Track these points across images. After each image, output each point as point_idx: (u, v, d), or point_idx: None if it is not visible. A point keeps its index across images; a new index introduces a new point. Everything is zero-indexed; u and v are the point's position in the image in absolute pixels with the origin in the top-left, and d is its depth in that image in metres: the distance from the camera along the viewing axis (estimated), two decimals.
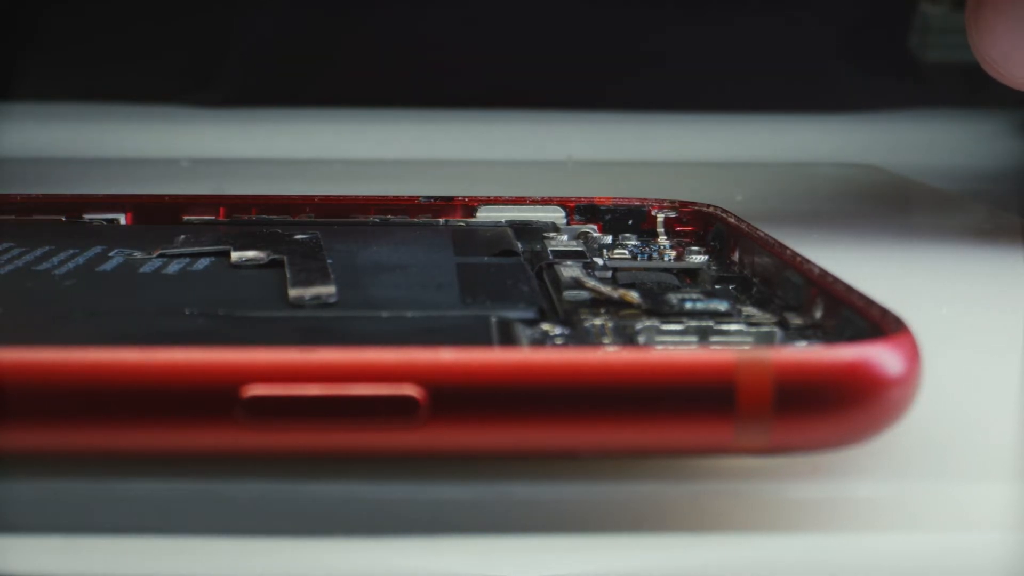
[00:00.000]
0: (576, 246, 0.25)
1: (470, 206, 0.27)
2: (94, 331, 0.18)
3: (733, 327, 0.18)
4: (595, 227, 0.26)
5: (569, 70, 0.49)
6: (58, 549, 0.15)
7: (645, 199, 0.26)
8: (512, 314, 0.19)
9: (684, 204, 0.26)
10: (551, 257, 0.24)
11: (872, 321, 0.17)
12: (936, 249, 0.29)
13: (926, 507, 0.16)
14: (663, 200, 0.26)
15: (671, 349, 0.16)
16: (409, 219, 0.27)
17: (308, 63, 0.50)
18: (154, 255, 0.22)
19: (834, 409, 0.15)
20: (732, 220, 0.24)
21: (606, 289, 0.20)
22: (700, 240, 0.25)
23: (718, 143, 0.45)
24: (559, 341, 0.18)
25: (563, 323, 0.19)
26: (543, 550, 0.16)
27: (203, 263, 0.22)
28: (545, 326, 0.19)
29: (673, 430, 0.15)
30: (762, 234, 0.23)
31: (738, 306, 0.20)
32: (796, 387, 0.15)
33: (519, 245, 0.24)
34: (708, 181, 0.37)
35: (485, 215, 0.27)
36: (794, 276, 0.20)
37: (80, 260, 0.22)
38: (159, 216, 0.26)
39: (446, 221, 0.27)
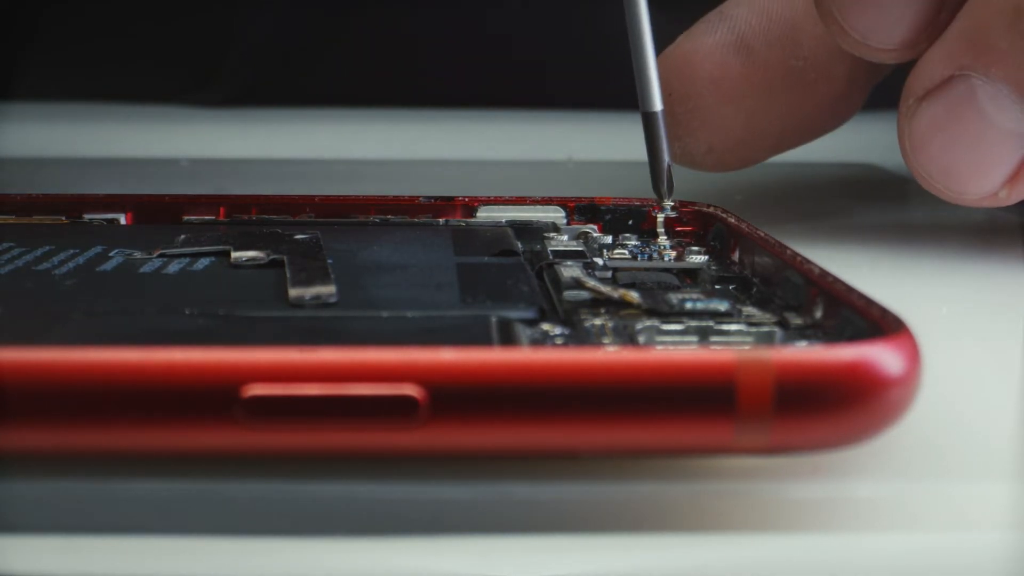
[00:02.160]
0: (576, 246, 0.25)
1: (470, 206, 0.27)
2: (94, 331, 0.18)
3: (733, 327, 0.18)
4: (595, 227, 0.26)
5: (569, 70, 0.49)
6: (58, 549, 0.15)
7: (645, 199, 0.26)
8: (512, 314, 0.19)
9: (684, 204, 0.26)
10: (551, 257, 0.24)
11: (872, 321, 0.17)
12: (935, 248, 0.29)
13: (926, 507, 0.16)
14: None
15: (671, 349, 0.16)
16: (409, 219, 0.27)
17: (308, 63, 0.50)
18: (154, 255, 0.22)
19: (834, 409, 0.15)
20: (732, 220, 0.24)
21: (606, 289, 0.20)
22: (700, 240, 0.25)
23: None
24: (559, 341, 0.18)
25: (563, 323, 0.19)
26: (543, 550, 0.16)
27: (203, 263, 0.22)
28: (545, 326, 0.19)
29: (673, 430, 0.15)
30: (762, 234, 0.23)
31: (738, 306, 0.20)
32: (796, 387, 0.15)
33: (519, 245, 0.24)
34: (708, 181, 0.37)
35: (485, 215, 0.27)
36: (794, 276, 0.20)
37: (80, 260, 0.22)
38: (159, 216, 0.26)
39: (446, 221, 0.27)
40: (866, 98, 0.32)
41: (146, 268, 0.22)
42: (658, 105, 0.26)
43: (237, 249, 0.22)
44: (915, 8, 0.26)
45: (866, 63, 0.31)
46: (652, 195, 0.26)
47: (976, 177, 0.26)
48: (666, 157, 0.26)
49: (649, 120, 0.26)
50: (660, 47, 0.27)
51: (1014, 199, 0.26)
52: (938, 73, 0.26)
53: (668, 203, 0.26)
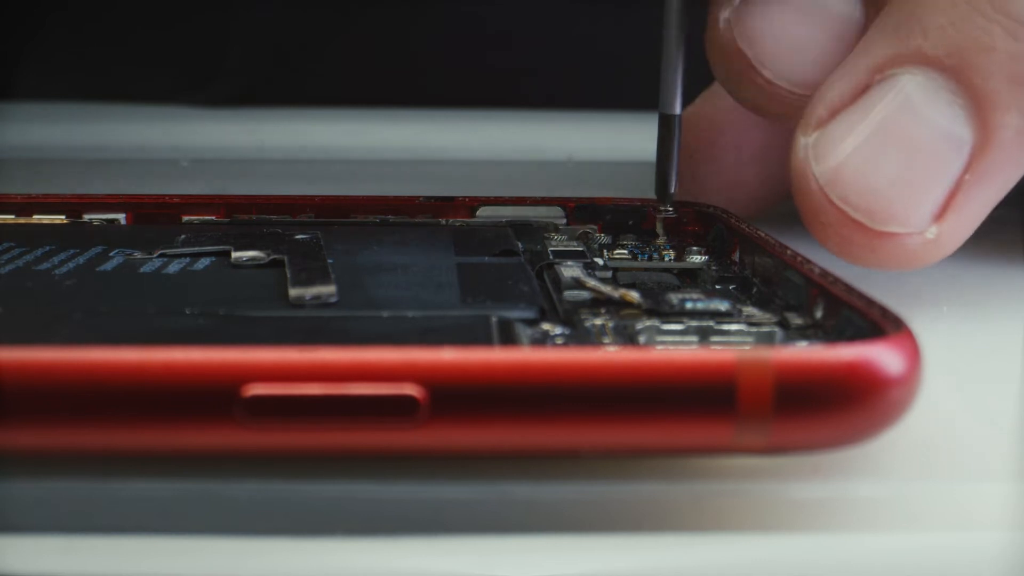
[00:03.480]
0: (576, 246, 0.25)
1: (470, 206, 0.27)
2: (94, 331, 0.18)
3: (733, 327, 0.18)
4: (595, 227, 0.26)
5: (569, 70, 0.49)
6: (58, 549, 0.15)
7: (645, 199, 0.26)
8: (512, 314, 0.19)
9: (684, 204, 0.26)
10: (551, 257, 0.24)
11: (872, 321, 0.17)
12: None
13: (926, 507, 0.16)
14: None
15: (671, 349, 0.16)
16: (409, 219, 0.27)
17: (308, 63, 0.50)
18: (154, 255, 0.22)
19: (834, 409, 0.15)
20: (732, 220, 0.24)
21: (606, 289, 0.20)
22: (700, 240, 0.25)
23: None
24: (559, 341, 0.18)
25: (563, 323, 0.19)
26: (543, 550, 0.16)
27: (203, 263, 0.22)
28: (545, 326, 0.19)
29: (673, 430, 0.15)
30: (762, 234, 0.23)
31: (738, 306, 0.20)
32: (796, 387, 0.15)
33: (519, 245, 0.24)
34: None
35: (485, 215, 0.27)
36: (794, 276, 0.20)
37: (80, 260, 0.22)
38: (159, 216, 0.26)
39: (446, 221, 0.27)
40: None
41: (146, 268, 0.22)
42: (678, 108, 0.26)
43: (237, 249, 0.22)
44: (839, 39, 0.23)
45: None
46: (652, 195, 0.26)
47: (907, 196, 0.21)
48: (675, 161, 0.26)
49: (666, 122, 0.26)
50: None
51: (943, 244, 0.22)
52: (852, 85, 0.22)
53: (668, 206, 0.26)
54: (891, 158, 0.21)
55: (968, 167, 0.21)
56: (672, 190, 0.26)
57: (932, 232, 0.22)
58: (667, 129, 0.26)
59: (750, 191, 0.30)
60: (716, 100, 0.30)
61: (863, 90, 0.22)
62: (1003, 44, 0.21)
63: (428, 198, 0.27)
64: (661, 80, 0.26)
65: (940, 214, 0.22)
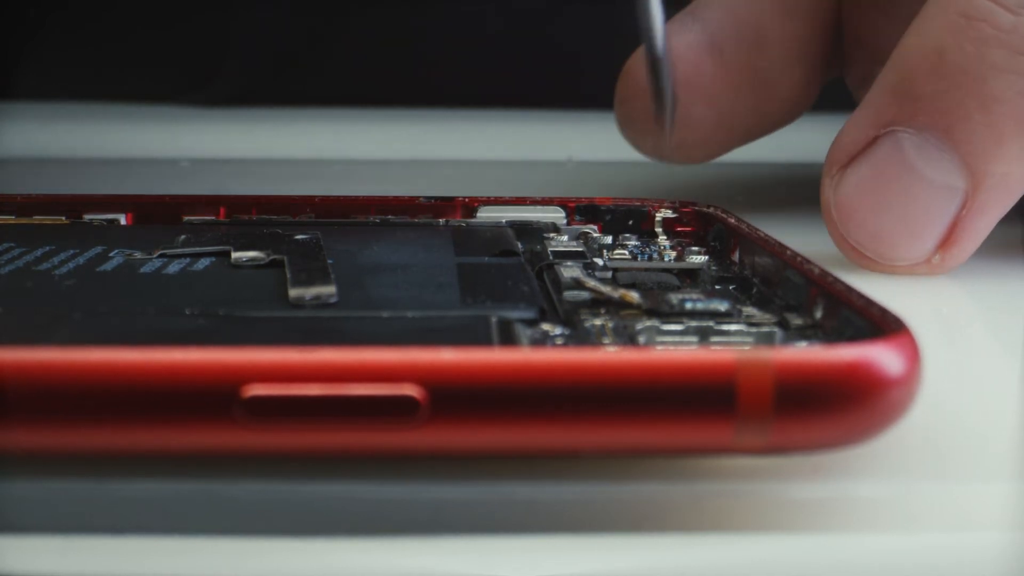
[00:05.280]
0: (576, 246, 0.25)
1: (470, 206, 0.27)
2: (94, 331, 0.18)
3: (733, 327, 0.18)
4: (595, 227, 0.26)
5: (569, 70, 0.49)
6: (58, 549, 0.15)
7: (645, 199, 0.26)
8: (512, 314, 0.19)
9: (684, 204, 0.26)
10: (551, 257, 0.24)
11: (872, 321, 0.17)
12: None
13: (926, 507, 0.16)
14: (663, 200, 0.26)
15: (671, 349, 0.16)
16: (409, 219, 0.27)
17: (308, 63, 0.50)
18: (154, 255, 0.22)
19: (834, 409, 0.15)
20: (732, 220, 0.24)
21: (606, 289, 0.20)
22: (700, 240, 0.25)
23: None
24: (559, 341, 0.18)
25: (563, 323, 0.19)
26: (543, 550, 0.16)
27: (203, 263, 0.22)
28: (545, 326, 0.19)
29: (673, 430, 0.15)
30: (762, 234, 0.23)
31: (738, 306, 0.20)
32: (796, 387, 0.15)
33: (519, 245, 0.24)
34: (708, 181, 0.37)
35: (485, 215, 0.27)
36: (794, 276, 0.20)
37: (80, 260, 0.22)
38: (159, 216, 0.26)
39: (446, 221, 0.27)
40: (818, 94, 0.32)
41: (146, 268, 0.22)
42: (661, 45, 0.26)
43: (237, 249, 0.22)
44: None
45: (823, 65, 0.31)
46: (651, 196, 0.26)
47: (908, 239, 0.25)
48: (669, 73, 0.26)
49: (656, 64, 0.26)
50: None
51: (948, 266, 0.25)
52: (863, 135, 0.25)
53: (664, 116, 0.26)
54: (893, 206, 0.25)
55: (964, 206, 0.24)
56: (668, 101, 0.26)
57: (937, 259, 0.25)
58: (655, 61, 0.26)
59: (702, 130, 0.30)
60: (669, 35, 0.30)
61: (873, 140, 0.25)
62: (980, 115, 0.24)
63: (428, 198, 0.27)
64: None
65: (942, 245, 0.25)
